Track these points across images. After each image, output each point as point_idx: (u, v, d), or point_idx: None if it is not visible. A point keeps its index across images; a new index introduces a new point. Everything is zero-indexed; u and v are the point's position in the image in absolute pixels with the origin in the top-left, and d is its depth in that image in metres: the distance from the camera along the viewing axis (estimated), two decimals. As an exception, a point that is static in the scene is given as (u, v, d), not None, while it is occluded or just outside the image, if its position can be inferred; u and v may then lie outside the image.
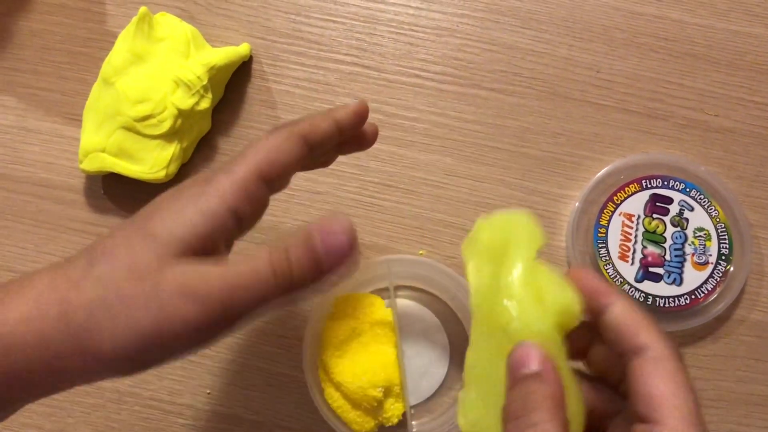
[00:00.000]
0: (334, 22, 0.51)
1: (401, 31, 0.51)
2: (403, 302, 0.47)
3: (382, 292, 0.46)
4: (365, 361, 0.42)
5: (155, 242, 0.29)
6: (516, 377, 0.28)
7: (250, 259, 0.29)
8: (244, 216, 0.31)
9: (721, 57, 0.50)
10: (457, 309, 0.47)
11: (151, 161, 0.46)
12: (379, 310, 0.44)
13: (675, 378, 0.28)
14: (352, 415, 0.42)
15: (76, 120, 0.50)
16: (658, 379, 0.28)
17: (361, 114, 0.37)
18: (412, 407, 0.43)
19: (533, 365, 0.28)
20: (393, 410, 0.42)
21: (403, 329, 0.46)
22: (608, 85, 0.50)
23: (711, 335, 0.47)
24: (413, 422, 0.44)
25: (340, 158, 0.49)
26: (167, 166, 0.47)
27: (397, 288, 0.47)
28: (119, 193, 0.50)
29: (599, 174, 0.48)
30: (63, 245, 0.49)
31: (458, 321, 0.47)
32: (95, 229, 0.49)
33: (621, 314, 0.30)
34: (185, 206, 0.30)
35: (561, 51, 0.50)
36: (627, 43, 0.51)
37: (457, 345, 0.47)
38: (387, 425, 0.43)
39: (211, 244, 0.30)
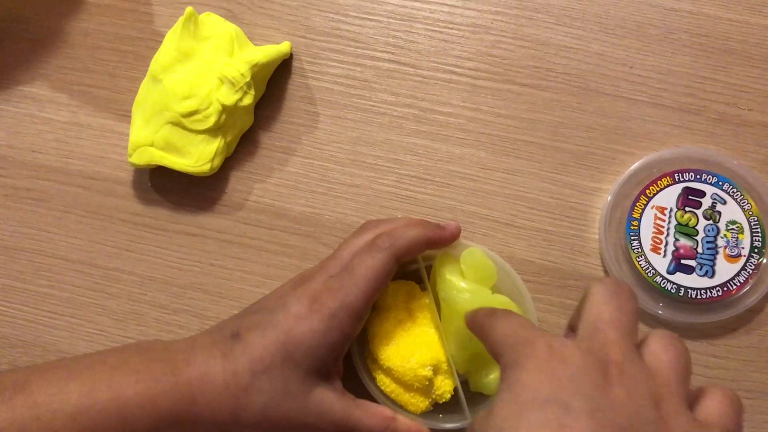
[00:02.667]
0: (371, 20, 0.53)
1: (436, 29, 0.52)
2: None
3: (416, 274, 0.47)
4: (410, 344, 0.43)
5: (299, 371, 0.39)
6: None
7: (371, 414, 0.41)
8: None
9: (756, 52, 0.51)
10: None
11: (197, 155, 0.48)
12: (416, 294, 0.46)
13: None
14: (406, 397, 0.44)
15: (126, 116, 0.52)
16: None
17: (455, 239, 0.45)
18: (464, 382, 0.44)
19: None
20: (444, 386, 0.44)
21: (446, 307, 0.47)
22: (641, 80, 0.51)
23: (743, 327, 0.48)
24: (465, 396, 0.45)
25: (377, 153, 0.51)
26: (212, 160, 0.49)
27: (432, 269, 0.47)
28: (166, 186, 0.52)
29: (632, 168, 0.49)
30: (113, 235, 0.52)
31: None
32: (142, 220, 0.51)
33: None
34: (318, 342, 0.39)
35: (594, 47, 0.51)
36: (661, 39, 0.51)
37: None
38: (441, 402, 0.44)
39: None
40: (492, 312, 0.37)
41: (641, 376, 0.29)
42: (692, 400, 0.31)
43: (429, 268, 0.46)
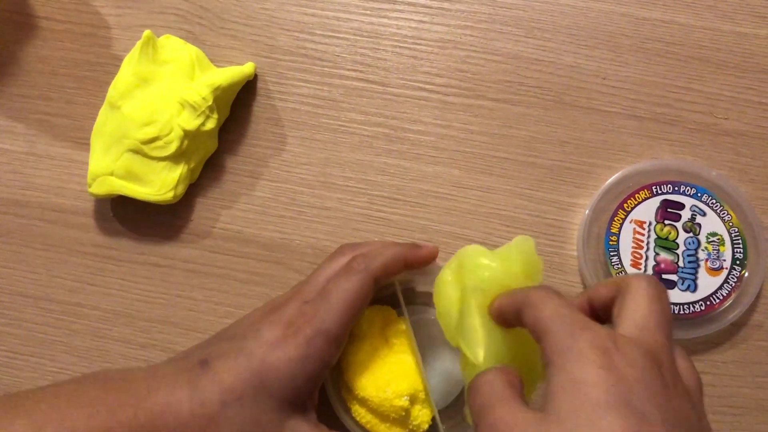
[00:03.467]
0: (337, 38, 0.51)
1: (404, 45, 0.51)
2: (415, 309, 0.47)
3: (392, 299, 0.46)
4: (386, 372, 0.42)
5: (273, 401, 0.36)
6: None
7: None
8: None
9: (729, 59, 0.50)
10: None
11: (159, 183, 0.47)
12: (392, 320, 0.44)
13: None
14: (381, 428, 0.42)
15: (85, 144, 0.50)
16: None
17: (432, 259, 0.43)
18: (439, 411, 0.43)
19: None
20: (421, 416, 0.42)
21: (419, 336, 0.45)
22: (615, 91, 0.50)
23: (728, 341, 0.47)
24: (443, 426, 0.43)
25: (348, 174, 0.50)
26: (175, 188, 0.47)
27: (405, 290, 0.46)
28: (128, 216, 0.50)
29: (609, 181, 0.48)
30: (74, 269, 0.49)
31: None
32: (106, 252, 0.49)
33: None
34: (295, 371, 0.37)
35: (566, 59, 0.50)
36: (633, 49, 0.50)
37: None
38: None
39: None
40: (528, 292, 0.33)
41: (688, 387, 0.29)
42: None
43: (406, 292, 0.44)
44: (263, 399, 0.36)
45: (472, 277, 0.37)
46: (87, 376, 0.38)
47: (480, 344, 0.35)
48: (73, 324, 0.49)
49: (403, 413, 0.41)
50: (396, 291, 0.44)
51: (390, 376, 0.42)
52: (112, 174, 0.47)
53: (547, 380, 0.29)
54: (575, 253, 0.48)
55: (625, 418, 0.25)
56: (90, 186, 0.47)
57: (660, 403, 0.27)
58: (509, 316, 0.34)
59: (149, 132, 0.46)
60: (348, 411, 0.43)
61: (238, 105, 0.50)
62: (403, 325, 0.44)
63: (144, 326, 0.49)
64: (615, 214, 0.47)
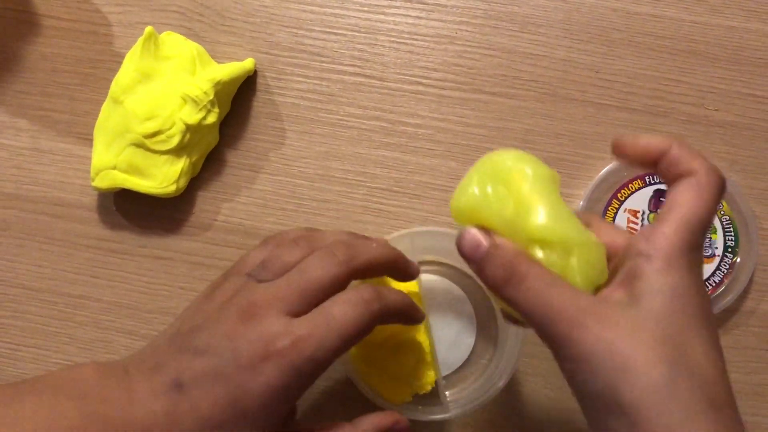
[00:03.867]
0: (335, 34, 0.52)
1: (401, 40, 0.52)
2: (428, 276, 0.49)
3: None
4: (396, 331, 0.43)
5: (255, 429, 0.34)
6: (478, 256, 0.32)
7: None
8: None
9: (719, 53, 0.51)
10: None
11: (161, 176, 0.47)
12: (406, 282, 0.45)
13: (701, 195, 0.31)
14: (386, 385, 0.43)
15: (87, 139, 0.51)
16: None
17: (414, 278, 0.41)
18: (443, 377, 0.44)
19: (485, 243, 0.31)
20: (425, 378, 0.43)
21: (430, 302, 0.46)
22: (608, 84, 0.51)
23: (721, 327, 0.48)
24: (446, 392, 0.44)
25: (347, 167, 0.50)
26: (177, 181, 0.48)
27: (421, 263, 0.46)
28: (131, 209, 0.51)
29: (602, 172, 0.49)
30: (77, 262, 0.50)
31: (482, 292, 0.48)
32: (109, 245, 0.50)
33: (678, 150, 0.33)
34: (276, 398, 0.33)
35: (560, 53, 0.51)
36: (625, 43, 0.51)
37: (482, 315, 0.48)
38: (421, 393, 0.43)
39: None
40: (675, 138, 0.34)
41: None
42: None
43: (420, 263, 0.45)
44: (242, 428, 0.33)
45: (535, 168, 0.33)
46: (56, 387, 0.33)
47: (581, 225, 0.32)
48: (76, 316, 0.50)
49: (408, 372, 0.43)
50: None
51: (399, 335, 0.43)
52: (114, 168, 0.47)
53: (642, 271, 0.30)
54: (570, 243, 0.49)
55: (711, 335, 0.30)
56: (93, 180, 0.48)
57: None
58: (646, 154, 0.33)
59: (151, 126, 0.46)
60: (354, 365, 0.44)
61: (238, 100, 0.51)
62: (416, 288, 0.45)
63: (147, 318, 0.49)
64: (609, 204, 0.48)
